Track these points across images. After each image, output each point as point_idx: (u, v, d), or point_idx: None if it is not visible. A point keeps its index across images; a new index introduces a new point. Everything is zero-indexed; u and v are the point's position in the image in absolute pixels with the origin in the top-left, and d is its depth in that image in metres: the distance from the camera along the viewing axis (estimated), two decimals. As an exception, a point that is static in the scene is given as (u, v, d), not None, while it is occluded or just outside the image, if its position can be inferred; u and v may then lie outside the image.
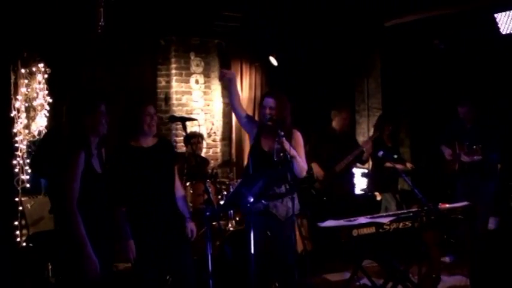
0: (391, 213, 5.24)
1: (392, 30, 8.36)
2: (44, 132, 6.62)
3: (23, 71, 6.43)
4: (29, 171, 6.34)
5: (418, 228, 4.43)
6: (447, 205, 4.68)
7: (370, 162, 7.90)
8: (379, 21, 8.33)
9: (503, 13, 7.07)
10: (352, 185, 7.30)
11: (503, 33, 7.15)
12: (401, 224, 4.36)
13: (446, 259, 6.50)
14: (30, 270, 5.77)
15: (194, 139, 6.84)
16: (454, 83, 8.13)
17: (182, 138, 7.95)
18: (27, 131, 6.52)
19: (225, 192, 6.50)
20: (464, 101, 6.54)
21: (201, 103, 8.64)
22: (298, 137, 4.57)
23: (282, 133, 4.20)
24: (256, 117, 5.49)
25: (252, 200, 4.01)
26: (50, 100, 6.72)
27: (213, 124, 8.74)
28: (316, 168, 6.69)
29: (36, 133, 6.57)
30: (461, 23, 7.64)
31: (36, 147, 6.36)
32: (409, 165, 7.31)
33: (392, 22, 8.24)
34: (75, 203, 3.45)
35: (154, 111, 4.13)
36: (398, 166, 6.01)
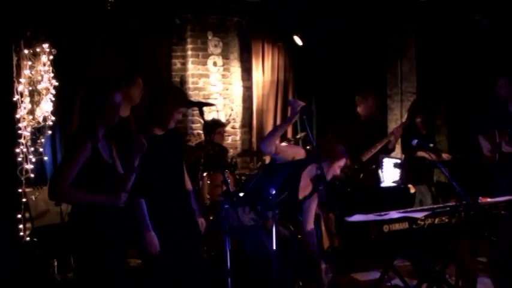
0: (426, 207, 5.12)
1: (429, 5, 8.21)
2: (49, 118, 6.63)
3: (26, 51, 6.40)
4: (33, 160, 6.37)
5: (456, 225, 4.34)
6: (488, 199, 4.60)
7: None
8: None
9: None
10: (378, 177, 7.23)
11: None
12: (437, 220, 4.30)
13: (488, 259, 6.39)
14: (34, 267, 5.81)
15: (219, 128, 6.85)
16: (498, 65, 7.90)
17: (199, 125, 7.98)
18: (31, 117, 6.51)
19: (245, 184, 6.51)
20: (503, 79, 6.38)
21: (220, 87, 8.65)
22: None
23: None
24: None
25: (274, 192, 3.99)
26: (56, 83, 6.70)
27: (232, 110, 8.75)
28: None
29: (41, 119, 6.55)
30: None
31: None
32: (445, 155, 7.15)
33: (428, -4, 8.13)
34: (68, 185, 3.47)
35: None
36: (433, 156, 5.94)
